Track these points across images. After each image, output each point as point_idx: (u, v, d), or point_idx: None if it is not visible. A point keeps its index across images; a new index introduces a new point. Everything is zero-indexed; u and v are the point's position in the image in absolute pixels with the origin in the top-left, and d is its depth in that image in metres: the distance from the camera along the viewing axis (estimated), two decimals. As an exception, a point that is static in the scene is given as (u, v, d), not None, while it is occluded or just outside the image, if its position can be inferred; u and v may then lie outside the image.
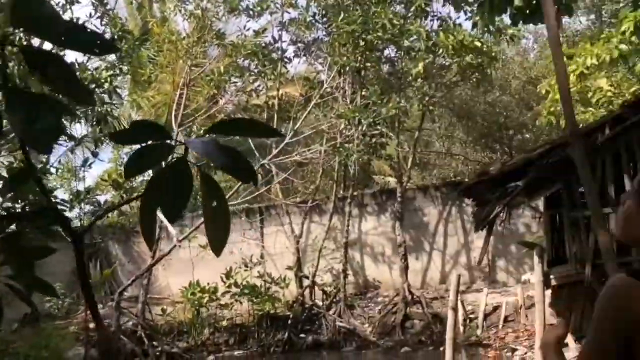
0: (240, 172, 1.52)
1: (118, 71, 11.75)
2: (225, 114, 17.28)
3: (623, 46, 8.49)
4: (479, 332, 13.72)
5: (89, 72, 9.99)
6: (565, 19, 9.21)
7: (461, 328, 13.52)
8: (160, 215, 1.47)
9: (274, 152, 14.12)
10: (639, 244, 1.96)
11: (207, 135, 1.60)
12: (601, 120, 5.87)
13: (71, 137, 9.82)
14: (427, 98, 15.35)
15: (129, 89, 17.44)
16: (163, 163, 1.43)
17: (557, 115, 9.42)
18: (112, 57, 11.90)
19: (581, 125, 8.30)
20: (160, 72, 15.51)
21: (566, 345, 9.42)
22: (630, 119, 5.44)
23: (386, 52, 15.67)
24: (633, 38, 8.35)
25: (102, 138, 12.50)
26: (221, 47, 15.22)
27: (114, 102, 11.66)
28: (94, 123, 10.72)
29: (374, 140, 14.24)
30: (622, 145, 5.78)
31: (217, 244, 1.45)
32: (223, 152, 1.39)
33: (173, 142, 1.44)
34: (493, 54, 15.24)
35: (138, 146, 1.41)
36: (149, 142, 1.43)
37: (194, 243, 14.38)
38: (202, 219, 11.28)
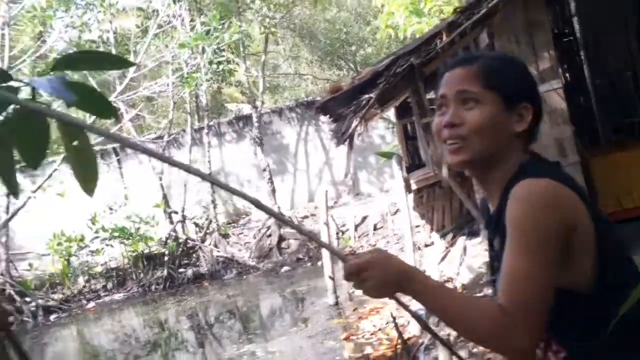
0: (97, 108, 1.44)
1: None
2: (56, 52, 16.15)
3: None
4: (352, 242, 14.38)
5: None
6: None
7: (335, 241, 14.11)
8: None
9: (119, 88, 13.51)
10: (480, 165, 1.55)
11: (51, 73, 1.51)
12: (438, 27, 6.16)
13: None
14: (267, 20, 15.27)
15: None
16: (10, 108, 1.34)
17: (394, 27, 9.76)
18: None
19: (417, 35, 8.67)
20: (-29, 11, 14.08)
21: (432, 243, 10.17)
22: (463, 24, 5.76)
23: (219, -26, 15.26)
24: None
25: None
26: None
27: None
28: None
29: (221, 67, 14.02)
30: (460, 48, 6.14)
31: (89, 183, 1.39)
32: (74, 89, 1.26)
33: (16, 84, 1.33)
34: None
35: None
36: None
37: (49, 192, 13.67)
38: (52, 167, 10.74)
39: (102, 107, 1.43)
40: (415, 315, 1.49)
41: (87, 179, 1.40)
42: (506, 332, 1.29)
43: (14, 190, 1.39)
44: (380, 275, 1.35)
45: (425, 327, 1.51)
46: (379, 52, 20.58)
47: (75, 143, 1.38)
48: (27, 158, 1.35)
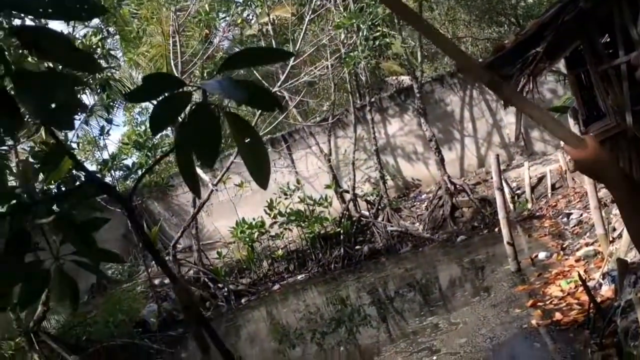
0: (262, 103, 1.49)
1: (106, 33, 11.55)
2: (222, 51, 17.05)
3: None
4: (529, 205, 13.76)
5: (79, 41, 9.80)
6: None
7: (511, 205, 13.57)
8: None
9: (282, 77, 13.99)
10: None
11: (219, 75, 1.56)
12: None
13: (85, 108, 9.78)
14: (419, -14, 14.93)
15: (122, 50, 17.26)
16: (185, 112, 1.41)
17: (562, -31, 9.01)
18: (95, 20, 11.68)
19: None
20: (147, 25, 15.28)
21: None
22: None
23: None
24: None
25: (112, 103, 12.45)
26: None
27: (112, 65, 11.56)
28: (99, 91, 10.66)
29: (377, 42, 13.92)
30: (637, -16, 5.53)
31: (262, 177, 1.44)
32: (241, 87, 1.35)
33: (189, 89, 1.40)
34: None
35: (149, 104, 1.37)
36: (165, 95, 1.39)
37: (229, 184, 14.58)
38: (229, 160, 11.44)
39: (267, 101, 1.47)
40: None
41: (260, 173, 1.45)
42: None
43: (196, 191, 1.46)
44: (584, 168, 1.59)
45: None
46: (542, 1, 19.31)
47: (247, 140, 1.42)
48: (203, 158, 1.41)
